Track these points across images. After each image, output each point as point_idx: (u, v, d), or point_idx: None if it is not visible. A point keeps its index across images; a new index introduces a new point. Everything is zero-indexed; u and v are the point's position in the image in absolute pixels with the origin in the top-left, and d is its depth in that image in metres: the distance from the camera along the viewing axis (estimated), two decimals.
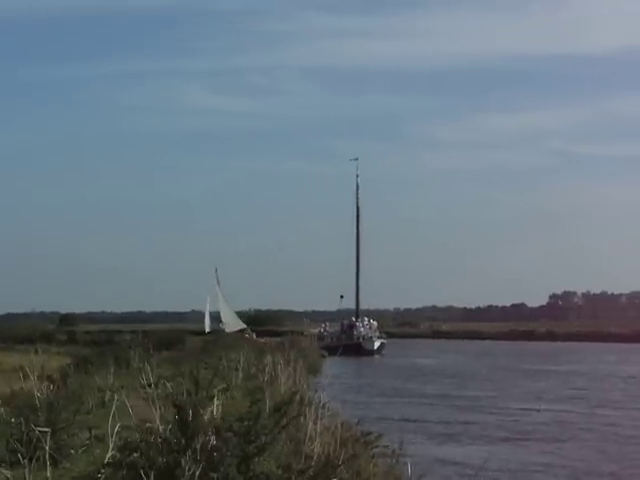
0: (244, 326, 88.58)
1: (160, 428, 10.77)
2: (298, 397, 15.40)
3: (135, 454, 9.70)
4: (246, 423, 9.87)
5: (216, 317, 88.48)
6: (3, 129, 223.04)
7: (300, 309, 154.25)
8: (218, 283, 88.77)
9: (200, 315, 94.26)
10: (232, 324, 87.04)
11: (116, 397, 15.17)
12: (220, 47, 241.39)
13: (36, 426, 12.22)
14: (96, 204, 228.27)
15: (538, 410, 37.54)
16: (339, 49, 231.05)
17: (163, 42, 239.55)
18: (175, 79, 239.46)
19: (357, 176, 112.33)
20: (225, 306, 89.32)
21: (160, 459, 9.33)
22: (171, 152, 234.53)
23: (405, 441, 17.52)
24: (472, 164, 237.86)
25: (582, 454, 26.32)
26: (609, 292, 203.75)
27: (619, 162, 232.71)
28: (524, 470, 23.33)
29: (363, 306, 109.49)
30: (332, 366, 65.16)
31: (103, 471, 10.04)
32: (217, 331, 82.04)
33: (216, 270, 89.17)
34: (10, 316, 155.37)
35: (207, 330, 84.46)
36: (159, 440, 9.73)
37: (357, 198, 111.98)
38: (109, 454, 10.94)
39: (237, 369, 30.55)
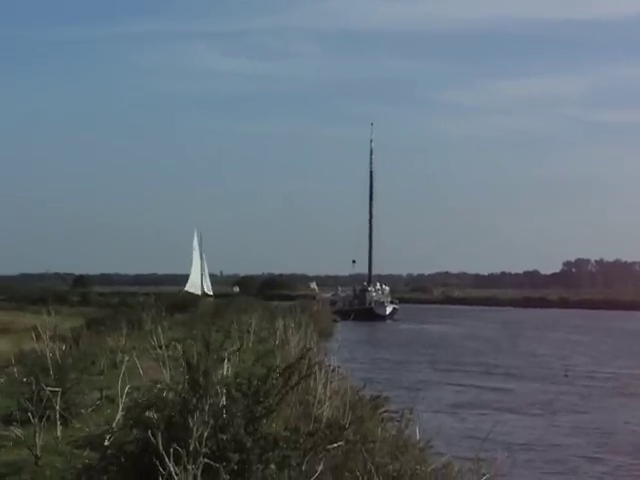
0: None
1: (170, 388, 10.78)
2: (307, 359, 15.37)
3: (147, 413, 9.68)
4: (255, 383, 9.84)
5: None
6: (17, 90, 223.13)
7: (312, 274, 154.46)
8: (200, 246, 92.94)
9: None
10: (197, 287, 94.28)
11: (127, 358, 15.22)
12: (230, 9, 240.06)
13: (47, 386, 12.29)
14: (111, 165, 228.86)
15: (566, 376, 37.72)
16: (349, 11, 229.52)
17: (174, 4, 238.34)
18: (185, 41, 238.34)
19: (371, 141, 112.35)
20: (197, 270, 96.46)
21: (172, 419, 9.28)
22: (182, 114, 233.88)
23: (415, 407, 17.52)
24: (486, 130, 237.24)
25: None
26: (622, 260, 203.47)
27: (634, 129, 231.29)
28: (535, 441, 23.31)
29: (375, 271, 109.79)
30: (344, 331, 65.31)
31: (114, 429, 10.07)
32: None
33: (200, 234, 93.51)
34: (24, 277, 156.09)
35: (195, 291, 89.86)
36: (170, 397, 9.71)
37: (371, 163, 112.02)
38: (119, 415, 10.98)
39: (249, 332, 30.65)
